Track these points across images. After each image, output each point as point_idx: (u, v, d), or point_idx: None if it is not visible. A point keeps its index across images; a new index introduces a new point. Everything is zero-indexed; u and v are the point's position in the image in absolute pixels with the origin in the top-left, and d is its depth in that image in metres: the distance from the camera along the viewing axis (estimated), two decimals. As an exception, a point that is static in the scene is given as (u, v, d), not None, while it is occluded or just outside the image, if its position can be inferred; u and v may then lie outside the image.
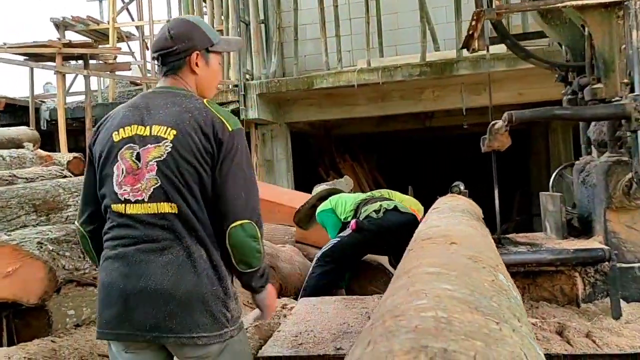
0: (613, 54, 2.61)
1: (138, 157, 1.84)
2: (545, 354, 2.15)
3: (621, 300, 2.51)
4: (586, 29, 2.73)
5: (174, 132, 1.85)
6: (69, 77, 10.28)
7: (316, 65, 8.81)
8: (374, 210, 3.67)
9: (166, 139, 1.85)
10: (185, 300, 1.77)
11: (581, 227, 2.91)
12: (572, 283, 2.60)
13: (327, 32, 7.91)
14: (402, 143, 14.81)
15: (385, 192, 4.24)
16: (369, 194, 3.97)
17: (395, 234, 3.57)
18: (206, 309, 1.78)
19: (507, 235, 3.04)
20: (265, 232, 5.59)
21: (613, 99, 2.57)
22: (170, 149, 1.83)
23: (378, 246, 3.86)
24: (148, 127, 1.86)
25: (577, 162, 2.95)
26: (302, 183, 9.03)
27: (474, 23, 2.75)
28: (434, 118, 10.69)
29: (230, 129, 1.90)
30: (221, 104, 8.02)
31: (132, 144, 1.83)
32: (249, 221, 1.88)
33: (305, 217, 4.45)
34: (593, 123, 2.86)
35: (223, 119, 1.90)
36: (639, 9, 2.40)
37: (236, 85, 7.98)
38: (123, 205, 1.81)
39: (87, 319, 2.59)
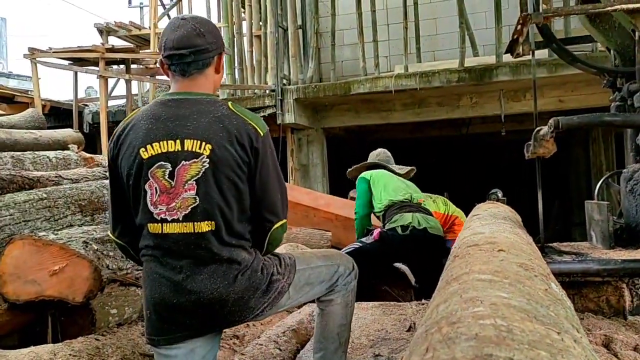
0: (664, 59, 2.54)
1: (171, 176, 1.84)
2: (591, 368, 2.08)
3: (671, 313, 2.43)
4: (636, 33, 2.65)
5: (209, 146, 1.84)
6: (111, 82, 10.55)
7: (353, 71, 8.81)
8: (402, 226, 3.54)
9: (202, 154, 1.84)
10: (239, 298, 1.85)
11: (629, 237, 2.83)
12: (619, 294, 2.52)
13: (365, 38, 7.91)
14: (438, 150, 14.68)
15: (425, 197, 4.13)
16: (407, 194, 3.78)
17: (417, 253, 3.54)
18: (259, 294, 1.92)
19: (551, 245, 2.97)
20: (301, 236, 5.58)
21: (664, 106, 2.50)
22: (208, 165, 1.84)
23: (399, 259, 3.82)
24: (179, 142, 1.84)
25: (624, 170, 2.87)
26: (337, 188, 9.03)
27: (519, 27, 2.71)
28: (471, 125, 10.56)
29: (262, 134, 1.92)
30: (258, 109, 8.11)
31: (162, 162, 1.82)
32: (285, 221, 1.98)
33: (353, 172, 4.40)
34: (642, 130, 2.77)
35: (254, 124, 1.91)
36: (693, 13, 2.32)
37: (273, 90, 8.03)
38: (160, 224, 1.83)
39: (129, 318, 2.63)
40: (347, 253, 3.59)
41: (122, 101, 9.56)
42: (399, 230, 3.45)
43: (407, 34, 7.70)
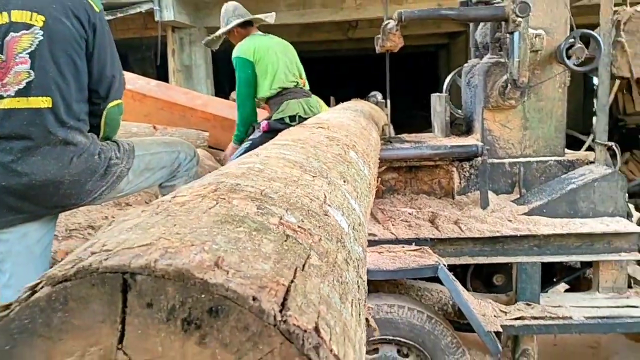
0: (498, -45, 2.67)
1: (0, 49, 1.75)
2: (414, 238, 2.32)
3: (491, 192, 2.72)
4: None
5: (42, 17, 1.77)
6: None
7: (237, -34, 8.42)
8: (290, 116, 3.35)
9: (34, 25, 1.77)
10: (75, 181, 1.84)
11: (465, 126, 3.07)
12: (450, 177, 2.78)
13: None
14: (327, 55, 14.67)
15: (304, 76, 3.80)
16: (295, 77, 3.44)
17: None
18: (97, 177, 1.93)
19: (399, 135, 3.16)
20: (177, 136, 5.43)
21: (495, 2, 2.66)
22: (42, 38, 1.77)
23: None
24: (6, 14, 1.75)
25: (465, 64, 3.06)
26: (222, 90, 8.87)
27: None
28: (357, 29, 10.58)
29: (97, 10, 1.86)
30: (133, 4, 7.60)
31: None
32: (121, 101, 1.96)
33: (215, 42, 3.82)
34: (480, 26, 2.95)
35: (89, 0, 1.85)
36: None
37: (149, -16, 7.53)
38: None
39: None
40: (239, 154, 3.47)
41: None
42: (287, 120, 3.29)
43: None
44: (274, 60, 3.35)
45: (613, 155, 2.67)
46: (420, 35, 11.18)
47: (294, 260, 0.58)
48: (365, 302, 0.76)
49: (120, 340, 0.47)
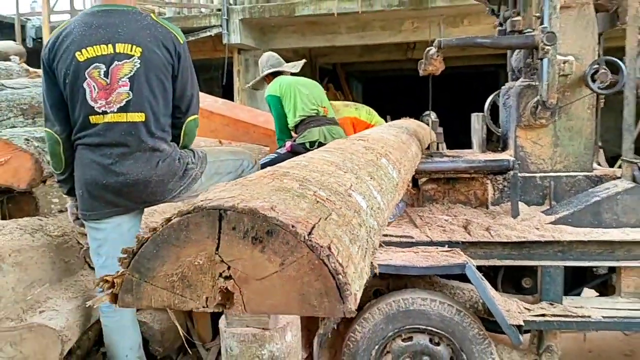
0: (531, -10, 2.96)
1: (106, 74, 2.21)
2: (447, 241, 2.64)
3: (522, 203, 2.97)
4: (512, -34, 3.05)
5: (139, 49, 2.23)
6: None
7: (300, -7, 8.93)
8: (310, 142, 3.90)
9: (133, 55, 2.22)
10: (160, 181, 2.26)
11: (502, 143, 3.34)
12: (484, 189, 3.05)
13: (310, -41, 8.02)
14: (387, 74, 15.01)
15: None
16: (314, 107, 4.06)
17: None
18: (176, 179, 2.33)
19: (440, 151, 3.46)
20: (240, 150, 5.93)
21: (527, 31, 2.93)
22: (139, 65, 2.22)
23: None
24: (111, 46, 2.21)
25: (503, 87, 3.34)
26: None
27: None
28: (415, 49, 10.88)
29: (182, 41, 2.31)
30: (203, 28, 8.23)
31: (97, 63, 2.19)
32: (197, 116, 2.40)
33: (257, 86, 4.74)
34: (515, 52, 3.23)
35: (175, 33, 2.30)
36: (552, -49, 2.72)
37: (219, 10, 8.13)
38: (102, 116, 2.22)
39: (70, 207, 3.02)
40: (263, 163, 4.00)
41: (66, 16, 9.45)
42: (307, 145, 3.86)
43: (350, -43, 7.86)
44: (295, 94, 4.03)
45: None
46: (481, 55, 11.34)
47: (319, 214, 0.93)
48: (373, 252, 1.10)
49: (217, 249, 0.83)
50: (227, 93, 9.07)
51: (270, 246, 0.82)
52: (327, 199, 1.04)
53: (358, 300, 0.87)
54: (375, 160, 1.75)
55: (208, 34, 8.19)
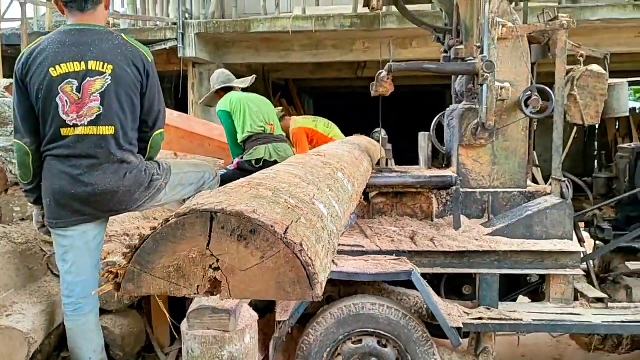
0: (472, 22, 3.25)
1: (78, 90, 2.33)
2: (395, 250, 2.86)
3: (464, 216, 3.23)
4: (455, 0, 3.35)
5: (111, 66, 2.36)
6: (4, 3, 10.14)
7: (255, 10, 9.09)
8: (255, 160, 4.07)
9: (105, 72, 2.35)
10: (127, 191, 2.38)
11: (446, 161, 3.62)
12: (429, 202, 3.30)
13: (266, -23, 8.21)
14: (338, 91, 15.35)
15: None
16: (262, 124, 4.22)
17: None
18: (142, 189, 2.46)
19: (389, 167, 3.70)
20: (202, 163, 5.99)
21: (468, 59, 3.22)
22: (110, 81, 2.35)
23: None
24: (84, 63, 2.33)
25: (447, 109, 3.62)
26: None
27: (369, -14, 3.32)
28: (366, 68, 11.23)
29: (150, 60, 2.46)
30: (159, 41, 8.27)
31: (70, 79, 2.31)
32: (163, 130, 2.54)
33: (209, 102, 4.94)
34: (459, 77, 3.52)
35: (144, 53, 2.45)
36: (492, -13, 3.02)
37: (175, 23, 8.20)
38: (73, 128, 2.33)
39: (31, 216, 3.08)
40: None
41: (16, 24, 9.30)
42: (253, 162, 4.06)
43: (305, -23, 8.10)
44: (244, 110, 4.20)
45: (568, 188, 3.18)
46: (428, 76, 11.79)
47: (291, 217, 1.11)
48: (334, 251, 1.29)
49: (208, 244, 1.00)
50: (180, 105, 9.12)
51: (253, 242, 0.99)
52: (296, 205, 1.22)
53: (323, 288, 1.05)
54: (333, 174, 1.95)
55: (163, 47, 8.24)
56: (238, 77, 4.85)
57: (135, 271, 1.01)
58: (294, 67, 10.99)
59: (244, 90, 4.61)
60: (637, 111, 13.16)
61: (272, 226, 0.99)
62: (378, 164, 3.71)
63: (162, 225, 1.01)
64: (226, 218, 0.99)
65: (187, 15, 8.38)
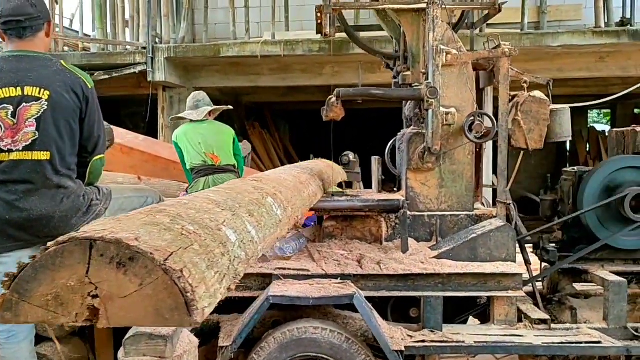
0: (419, 49, 3.33)
1: (14, 115, 2.33)
2: (340, 274, 2.86)
3: (412, 239, 3.27)
4: (401, 27, 3.43)
5: (48, 92, 2.37)
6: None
7: (225, 34, 9.19)
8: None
9: (41, 98, 2.36)
10: (63, 216, 2.37)
11: (397, 184, 3.66)
12: (378, 226, 3.33)
13: (236, 3, 8.31)
14: (311, 114, 15.44)
15: (223, 153, 4.52)
16: (202, 157, 4.40)
17: None
18: (80, 214, 2.45)
19: (342, 190, 3.74)
20: (159, 187, 6.07)
21: (415, 85, 3.29)
22: (47, 107, 2.36)
23: None
24: (20, 88, 2.35)
25: (399, 133, 3.68)
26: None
27: (319, 14, 3.38)
28: (337, 92, 11.33)
29: (90, 86, 2.47)
30: (128, 65, 8.29)
31: (5, 105, 2.33)
32: (104, 155, 2.55)
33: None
34: (408, 103, 3.59)
35: (84, 79, 2.46)
36: (435, 15, 3.11)
37: (144, 48, 8.23)
38: (7, 154, 2.33)
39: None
40: None
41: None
42: None
43: (275, 3, 8.22)
44: (186, 144, 4.45)
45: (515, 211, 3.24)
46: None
47: (180, 244, 1.12)
48: (235, 277, 1.30)
49: (87, 272, 1.01)
50: (151, 129, 9.11)
51: (132, 270, 1.01)
52: (194, 232, 1.23)
53: (207, 314, 1.06)
54: (260, 199, 1.97)
55: (132, 70, 8.26)
56: (212, 99, 4.96)
57: (13, 300, 1.01)
58: (265, 90, 11.06)
59: (214, 114, 4.77)
60: (607, 133, 13.45)
61: (151, 253, 1.01)
62: (343, 185, 3.80)
63: (41, 254, 1.02)
64: (105, 246, 1.00)
65: (157, 40, 8.43)
